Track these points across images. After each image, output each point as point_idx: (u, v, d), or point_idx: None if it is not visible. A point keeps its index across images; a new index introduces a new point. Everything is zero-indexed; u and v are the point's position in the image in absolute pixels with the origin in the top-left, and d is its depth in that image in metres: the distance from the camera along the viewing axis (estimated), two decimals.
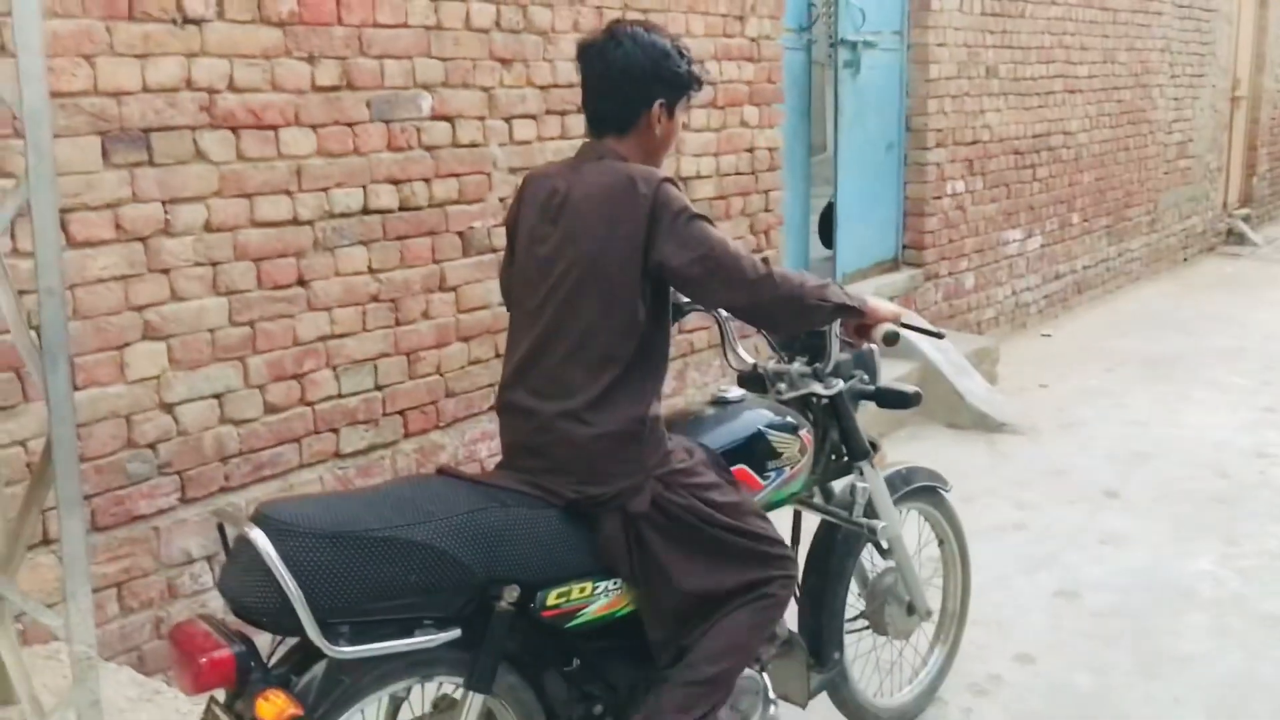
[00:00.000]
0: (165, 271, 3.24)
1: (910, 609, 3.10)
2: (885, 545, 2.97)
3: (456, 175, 4.02)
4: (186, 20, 3.21)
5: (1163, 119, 9.73)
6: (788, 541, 2.64)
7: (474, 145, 4.06)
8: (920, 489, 3.15)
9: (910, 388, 2.93)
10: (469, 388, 4.14)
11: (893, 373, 5.67)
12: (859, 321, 2.56)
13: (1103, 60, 8.54)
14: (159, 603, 3.29)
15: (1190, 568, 4.21)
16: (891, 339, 2.55)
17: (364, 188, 3.72)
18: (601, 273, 2.31)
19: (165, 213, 3.21)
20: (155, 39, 3.15)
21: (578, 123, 4.43)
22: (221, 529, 2.10)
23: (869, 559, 3.08)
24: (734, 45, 5.20)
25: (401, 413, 3.93)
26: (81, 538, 2.41)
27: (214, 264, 3.35)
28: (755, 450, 2.61)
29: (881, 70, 6.52)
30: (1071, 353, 7.45)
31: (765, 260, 2.36)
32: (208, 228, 3.32)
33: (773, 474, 2.64)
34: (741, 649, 2.40)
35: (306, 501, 2.26)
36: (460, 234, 4.06)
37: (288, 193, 3.51)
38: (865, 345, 2.70)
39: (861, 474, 2.89)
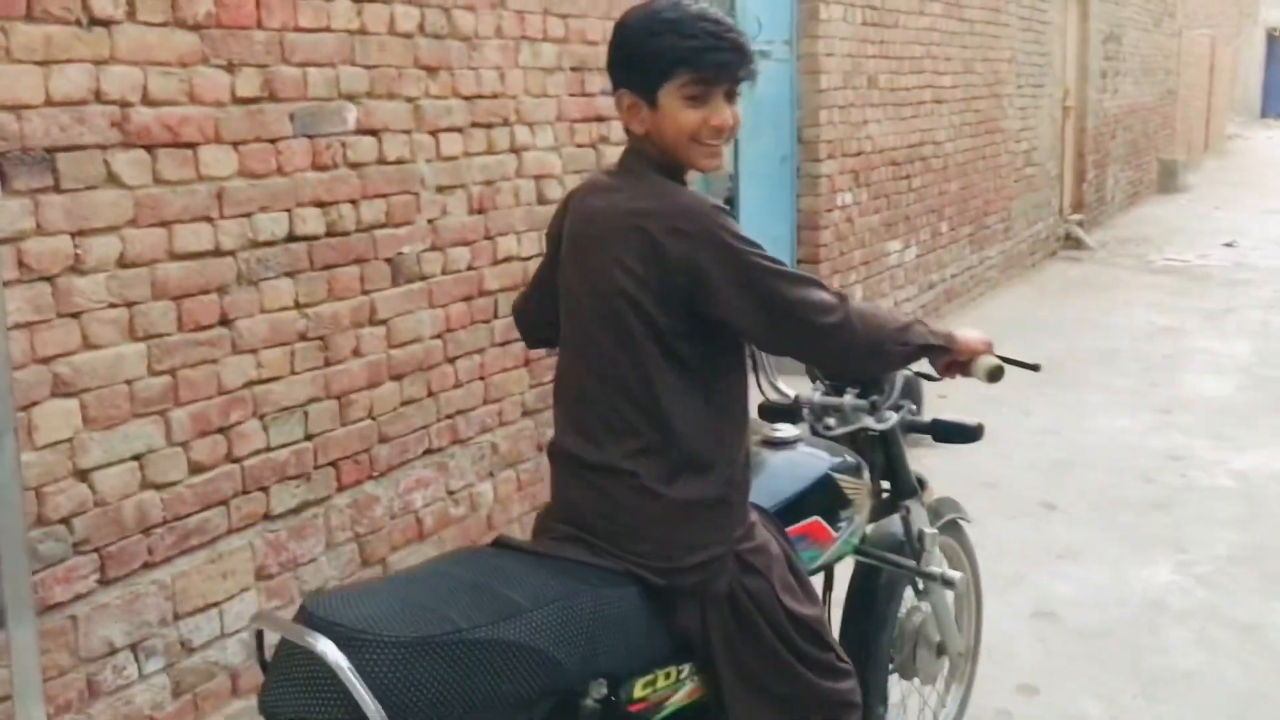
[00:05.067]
0: (76, 315, 2.75)
1: (940, 649, 2.89)
2: (922, 586, 2.76)
3: (384, 195, 3.62)
4: (94, 21, 2.73)
5: (1012, 128, 9.98)
6: (820, 593, 2.38)
7: (401, 162, 3.67)
8: (947, 523, 2.95)
9: (972, 420, 2.70)
10: (402, 431, 3.74)
11: None
12: (949, 359, 2.23)
13: (963, 70, 8.67)
14: (79, 705, 2.79)
15: (1153, 579, 4.17)
16: (996, 375, 2.23)
17: (289, 212, 3.29)
18: (640, 312, 1.99)
19: (75, 246, 2.73)
20: (59, 43, 2.66)
21: (504, 136, 4.10)
22: (260, 635, 1.70)
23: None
24: None
25: (334, 463, 3.51)
26: (35, 651, 1.96)
27: (130, 304, 2.87)
28: (826, 498, 2.35)
29: (775, 81, 6.38)
30: None
31: (842, 297, 2.06)
32: (122, 262, 2.84)
33: (844, 524, 2.39)
34: None
35: (365, 595, 1.83)
36: (389, 260, 3.66)
37: (209, 219, 3.06)
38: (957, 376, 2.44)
39: (909, 512, 2.66)
